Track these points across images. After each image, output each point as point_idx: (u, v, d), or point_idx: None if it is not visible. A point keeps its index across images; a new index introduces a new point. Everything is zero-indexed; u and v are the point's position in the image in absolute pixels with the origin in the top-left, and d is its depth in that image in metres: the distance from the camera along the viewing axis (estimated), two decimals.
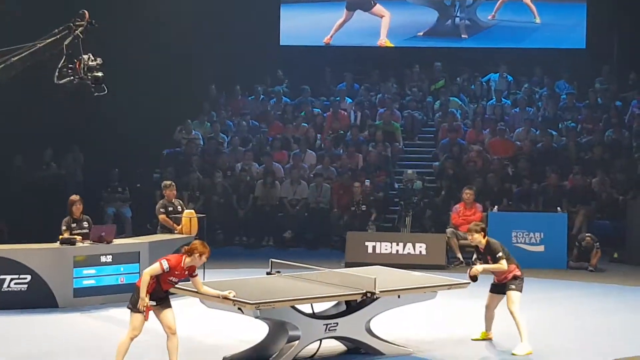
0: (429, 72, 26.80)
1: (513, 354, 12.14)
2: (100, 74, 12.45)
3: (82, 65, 12.39)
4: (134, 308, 10.63)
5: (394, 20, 26.61)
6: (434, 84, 26.60)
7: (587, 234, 19.68)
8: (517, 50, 26.59)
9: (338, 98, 25.85)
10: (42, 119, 22.06)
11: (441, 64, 26.58)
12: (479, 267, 12.34)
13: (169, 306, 10.79)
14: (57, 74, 12.48)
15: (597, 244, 19.36)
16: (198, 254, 10.63)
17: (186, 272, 10.70)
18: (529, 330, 12.30)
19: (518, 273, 12.46)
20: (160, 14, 23.97)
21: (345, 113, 25.35)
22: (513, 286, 12.36)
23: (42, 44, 12.59)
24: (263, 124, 25.45)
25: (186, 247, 10.75)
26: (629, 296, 16.73)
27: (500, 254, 12.30)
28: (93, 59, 12.45)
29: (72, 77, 12.47)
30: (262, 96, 26.40)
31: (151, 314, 10.63)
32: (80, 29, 12.51)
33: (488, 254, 12.41)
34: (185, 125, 24.85)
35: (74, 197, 15.96)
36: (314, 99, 26.03)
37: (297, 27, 27.25)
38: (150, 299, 10.60)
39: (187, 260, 10.64)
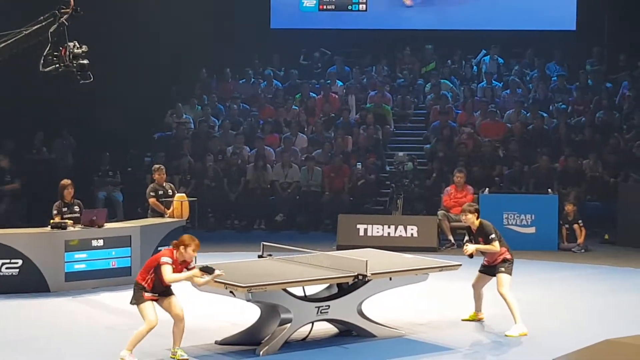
0: (420, 54, 26.79)
1: (507, 335, 12.19)
2: (85, 61, 12.40)
3: (67, 52, 12.35)
4: (137, 302, 10.72)
5: None
6: (424, 66, 26.59)
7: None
8: (508, 33, 26.54)
9: (329, 81, 25.83)
10: (33, 103, 21.98)
11: (432, 46, 26.57)
12: (471, 247, 12.39)
13: (172, 294, 10.85)
14: (42, 61, 12.44)
15: (580, 221, 19.44)
16: (183, 247, 10.66)
17: (181, 267, 10.75)
18: (521, 311, 12.33)
19: (508, 256, 12.50)
20: None
21: (336, 96, 25.33)
22: (503, 269, 12.41)
23: (27, 31, 12.55)
24: (254, 107, 25.42)
25: (175, 241, 10.80)
26: (620, 277, 16.78)
27: (493, 235, 12.37)
28: (78, 46, 12.41)
29: (57, 65, 12.44)
30: (252, 79, 26.34)
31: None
32: (65, 16, 12.46)
33: (480, 235, 12.46)
34: (176, 108, 24.82)
35: (65, 181, 15.96)
36: (302, 81, 25.96)
37: (287, 10, 27.20)
38: (153, 292, 10.68)
39: (177, 254, 10.70)
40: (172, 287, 10.85)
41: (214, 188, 22.48)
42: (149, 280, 10.69)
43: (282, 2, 27.15)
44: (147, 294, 10.67)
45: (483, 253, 12.55)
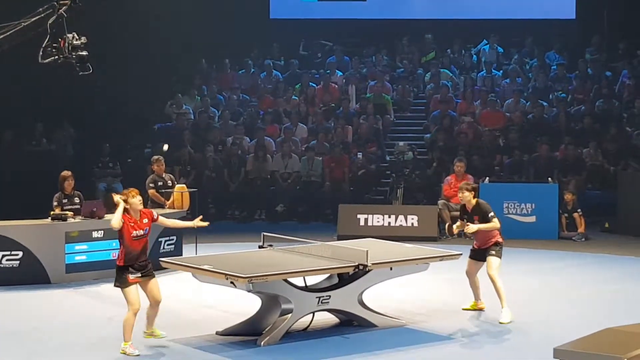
0: (420, 44, 26.76)
1: (501, 322, 12.22)
2: (84, 53, 12.40)
3: (66, 44, 12.34)
4: (122, 285, 10.77)
5: None
6: (424, 55, 26.57)
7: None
8: (507, 22, 26.53)
9: (329, 71, 25.81)
10: (33, 94, 21.96)
11: (431, 35, 26.54)
12: (473, 227, 12.33)
13: (153, 276, 10.95)
14: (41, 53, 12.44)
15: (579, 210, 19.45)
16: (126, 204, 10.92)
17: (144, 221, 10.90)
18: (522, 300, 12.34)
19: (500, 240, 12.52)
20: None
21: (336, 86, 25.31)
22: (494, 252, 12.41)
23: (26, 23, 12.53)
24: (253, 97, 25.40)
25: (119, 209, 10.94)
26: (620, 266, 16.78)
27: (492, 213, 12.38)
28: (77, 38, 12.39)
29: (56, 57, 12.43)
30: (252, 70, 26.33)
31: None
32: (64, 7, 12.44)
33: (476, 214, 12.44)
34: (175, 99, 24.79)
35: (66, 172, 15.93)
36: (302, 71, 25.94)
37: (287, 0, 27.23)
38: (134, 269, 10.75)
39: (130, 215, 10.86)
40: (151, 268, 10.95)
41: (214, 179, 22.48)
42: (121, 254, 10.78)
43: None
44: (131, 277, 10.73)
45: (475, 234, 12.49)
